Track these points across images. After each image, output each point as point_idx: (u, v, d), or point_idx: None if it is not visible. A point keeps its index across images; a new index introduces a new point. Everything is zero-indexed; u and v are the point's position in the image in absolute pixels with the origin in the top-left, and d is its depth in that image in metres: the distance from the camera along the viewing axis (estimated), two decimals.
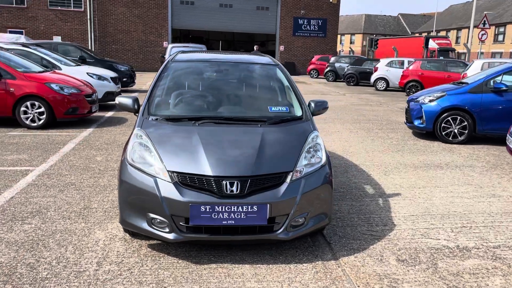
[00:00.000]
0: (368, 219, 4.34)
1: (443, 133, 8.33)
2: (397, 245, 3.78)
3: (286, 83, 4.47)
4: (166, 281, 3.07)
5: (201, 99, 4.26)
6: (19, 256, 3.33)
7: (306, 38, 33.53)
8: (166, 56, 17.83)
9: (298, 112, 4.12)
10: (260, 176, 3.27)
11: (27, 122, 8.39)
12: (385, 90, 21.86)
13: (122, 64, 16.25)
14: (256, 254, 3.51)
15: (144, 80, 21.86)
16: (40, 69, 9.44)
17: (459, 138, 8.28)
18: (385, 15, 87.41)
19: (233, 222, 3.18)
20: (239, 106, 4.25)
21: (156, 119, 3.81)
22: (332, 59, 28.75)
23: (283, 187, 3.30)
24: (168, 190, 3.19)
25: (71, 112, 8.69)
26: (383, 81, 22.05)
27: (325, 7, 33.16)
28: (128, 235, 3.76)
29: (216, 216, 3.16)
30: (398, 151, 7.52)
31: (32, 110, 8.37)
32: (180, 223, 3.20)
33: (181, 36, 42.22)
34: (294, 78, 26.93)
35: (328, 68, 28.10)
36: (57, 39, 27.38)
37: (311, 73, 31.03)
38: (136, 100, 4.12)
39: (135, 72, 16.97)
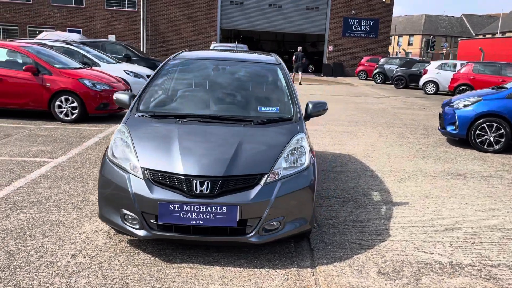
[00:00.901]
0: (362, 228, 4.14)
1: (477, 141, 7.81)
2: (383, 256, 3.58)
3: (283, 83, 4.36)
4: (131, 277, 3.08)
5: (191, 97, 4.26)
6: (4, 243, 3.48)
7: (356, 39, 32.80)
8: None
9: (288, 113, 4.00)
10: (232, 177, 3.21)
11: (61, 116, 8.80)
12: (435, 94, 20.90)
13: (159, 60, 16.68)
14: (231, 256, 3.45)
15: None
16: (78, 65, 9.88)
17: (495, 146, 7.73)
18: (447, 16, 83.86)
19: (201, 222, 3.14)
20: (229, 105, 4.20)
21: (143, 115, 3.85)
22: (382, 60, 27.92)
23: (256, 189, 3.21)
24: (139, 187, 3.20)
25: (102, 107, 9.02)
26: (432, 85, 21.09)
27: (377, 7, 32.25)
28: (112, 229, 3.82)
29: (184, 216, 3.13)
30: (423, 158, 7.14)
31: (66, 105, 8.77)
32: (151, 221, 3.20)
33: (232, 36, 42.76)
34: (341, 79, 26.72)
35: (377, 70, 27.31)
36: (111, 38, 28.59)
37: (360, 75, 30.31)
38: (132, 97, 4.18)
39: None
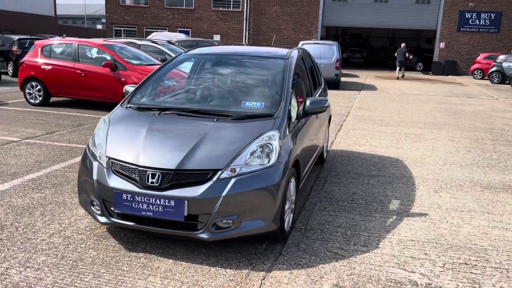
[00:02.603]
0: (351, 237, 3.80)
1: None
2: (353, 269, 3.25)
3: (281, 78, 4.17)
4: (85, 261, 3.24)
5: (182, 91, 4.31)
6: (4, 218, 3.91)
7: (473, 34, 29.79)
8: None
9: (272, 109, 3.82)
10: (183, 171, 3.19)
11: None
12: None
13: None
14: (192, 251, 3.44)
15: None
16: (155, 62, 10.58)
17: None
18: None
19: (151, 214, 3.18)
20: (216, 99, 4.16)
21: (130, 107, 4.00)
22: (500, 57, 24.91)
23: (206, 185, 3.15)
24: (101, 175, 3.36)
25: None
26: None
27: None
28: None
29: (136, 206, 3.20)
30: (485, 167, 6.26)
31: None
32: (111, 208, 3.33)
33: (338, 33, 41.89)
34: (451, 78, 24.66)
35: (494, 68, 24.46)
36: (216, 37, 30.02)
37: (474, 74, 27.46)
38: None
39: None
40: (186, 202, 3.11)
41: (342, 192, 4.98)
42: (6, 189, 4.63)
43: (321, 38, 29.37)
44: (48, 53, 10.22)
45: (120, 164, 3.34)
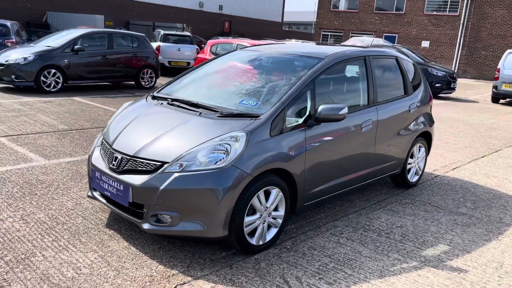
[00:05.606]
0: (328, 271, 3.17)
1: None
2: None
3: (296, 79, 3.72)
4: (65, 224, 3.63)
5: (196, 85, 4.28)
6: (23, 188, 4.44)
7: None
8: None
9: (262, 110, 3.46)
10: (138, 158, 3.24)
11: None
12: None
13: (441, 69, 15.22)
14: (153, 240, 3.48)
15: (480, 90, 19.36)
16: None
17: None
18: None
19: (109, 194, 3.36)
20: (220, 95, 4.01)
21: (150, 96, 4.20)
22: None
23: (150, 176, 3.13)
24: (93, 153, 3.69)
25: None
26: None
27: None
28: None
29: (101, 185, 3.43)
30: None
31: None
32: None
33: None
34: None
35: None
36: (425, 44, 27.82)
37: None
38: None
39: (456, 80, 15.47)
40: (130, 188, 3.16)
41: (387, 222, 4.14)
42: None
43: None
44: (215, 50, 11.40)
45: (103, 145, 3.61)
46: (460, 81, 24.33)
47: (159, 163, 3.16)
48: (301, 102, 3.61)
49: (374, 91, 4.36)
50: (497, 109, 13.45)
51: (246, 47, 4.86)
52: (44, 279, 2.86)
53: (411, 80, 5.05)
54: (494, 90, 14.84)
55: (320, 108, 3.55)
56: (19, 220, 3.66)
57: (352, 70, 4.46)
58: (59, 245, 3.29)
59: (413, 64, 5.30)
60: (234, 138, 3.18)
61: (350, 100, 4.25)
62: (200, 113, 3.54)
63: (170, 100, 3.92)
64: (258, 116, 3.38)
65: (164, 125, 3.49)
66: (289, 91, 3.57)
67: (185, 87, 4.28)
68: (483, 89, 20.29)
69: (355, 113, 4.10)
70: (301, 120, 3.56)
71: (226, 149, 3.13)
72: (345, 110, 3.56)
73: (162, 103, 3.90)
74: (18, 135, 6.37)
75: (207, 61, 4.70)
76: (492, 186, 5.51)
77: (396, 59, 4.90)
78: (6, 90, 10.35)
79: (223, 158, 3.10)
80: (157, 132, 3.40)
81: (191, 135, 3.30)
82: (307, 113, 3.60)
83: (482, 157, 7.04)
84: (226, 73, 4.49)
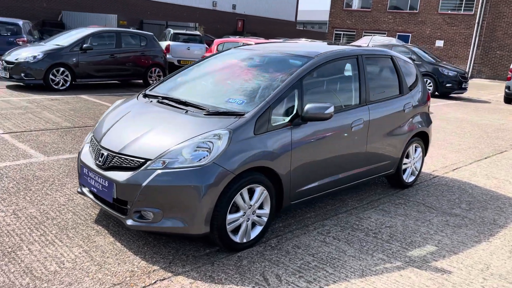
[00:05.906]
0: (309, 270, 3.17)
1: None
2: None
3: (284, 79, 3.72)
4: (56, 219, 3.70)
5: (186, 83, 4.30)
6: (20, 182, 4.59)
7: None
8: None
9: (248, 108, 3.47)
10: (122, 155, 3.29)
11: None
12: None
13: (453, 69, 15.01)
14: (138, 236, 3.53)
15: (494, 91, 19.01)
16: None
17: None
18: None
19: (95, 190, 3.41)
20: (209, 93, 4.02)
21: (142, 94, 4.24)
22: None
23: (133, 173, 3.17)
24: (83, 150, 3.75)
25: None
26: None
27: None
28: None
29: (89, 181, 3.48)
30: None
31: None
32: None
33: None
34: None
35: None
36: (439, 43, 27.45)
37: None
38: None
39: (467, 80, 15.23)
40: (114, 185, 3.21)
41: (377, 222, 4.12)
42: None
43: None
44: (221, 49, 11.43)
45: (92, 142, 3.67)
46: (474, 81, 23.97)
47: (143, 160, 3.20)
48: (288, 101, 3.61)
49: (366, 91, 4.34)
50: (509, 110, 13.21)
51: (241, 46, 4.87)
52: (27, 272, 2.92)
53: (407, 80, 5.01)
54: (506, 90, 14.58)
55: (307, 107, 3.55)
56: (11, 215, 3.74)
57: (343, 69, 4.44)
58: (46, 240, 3.36)
59: (412, 64, 5.26)
60: (217, 136, 3.20)
61: (340, 99, 4.23)
62: (187, 111, 3.57)
63: (160, 98, 3.97)
64: (243, 115, 3.40)
65: (151, 123, 3.53)
66: (275, 90, 3.58)
67: (177, 86, 4.31)
68: (497, 90, 19.93)
69: (345, 112, 4.09)
70: (287, 119, 3.57)
71: (209, 146, 3.16)
72: (331, 109, 3.56)
73: (151, 101, 3.94)
74: (21, 132, 6.50)
75: (200, 59, 4.74)
76: (491, 187, 5.43)
77: (392, 58, 4.87)
78: (16, 88, 10.55)
79: (206, 156, 3.12)
80: (143, 129, 3.44)
81: (176, 132, 3.33)
82: (294, 112, 3.61)
83: (485, 158, 6.94)
84: (218, 72, 4.50)
